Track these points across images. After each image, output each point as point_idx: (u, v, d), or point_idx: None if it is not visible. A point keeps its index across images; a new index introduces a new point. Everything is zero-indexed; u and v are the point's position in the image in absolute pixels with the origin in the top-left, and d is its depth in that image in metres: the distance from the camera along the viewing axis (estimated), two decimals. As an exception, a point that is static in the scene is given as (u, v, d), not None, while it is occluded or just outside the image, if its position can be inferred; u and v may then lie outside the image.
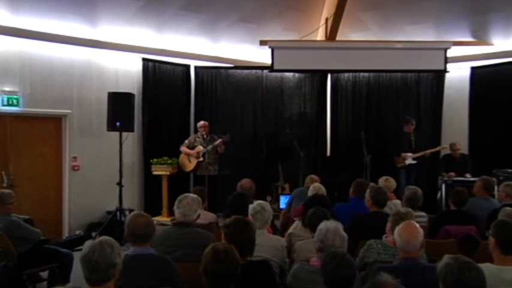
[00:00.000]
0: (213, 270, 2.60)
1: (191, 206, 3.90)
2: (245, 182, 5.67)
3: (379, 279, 2.28)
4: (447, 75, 9.23)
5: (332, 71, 9.79)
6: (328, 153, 9.95)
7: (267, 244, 3.79)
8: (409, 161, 8.61)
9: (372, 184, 5.29)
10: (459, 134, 9.07)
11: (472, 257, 2.55)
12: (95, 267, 2.51)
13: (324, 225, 3.19)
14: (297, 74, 9.93)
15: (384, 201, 4.68)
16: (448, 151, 8.61)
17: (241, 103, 9.78)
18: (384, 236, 3.78)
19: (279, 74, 9.75)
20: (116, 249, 2.58)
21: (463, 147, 8.75)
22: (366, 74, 9.78)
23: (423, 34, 8.83)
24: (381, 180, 5.78)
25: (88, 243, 2.59)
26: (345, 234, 3.16)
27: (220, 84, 9.71)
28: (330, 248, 3.01)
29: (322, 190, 5.45)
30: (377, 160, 8.61)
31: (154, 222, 3.57)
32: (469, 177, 8.01)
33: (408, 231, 3.15)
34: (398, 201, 5.48)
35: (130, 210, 7.27)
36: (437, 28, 8.82)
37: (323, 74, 9.89)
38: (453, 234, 4.53)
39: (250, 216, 4.02)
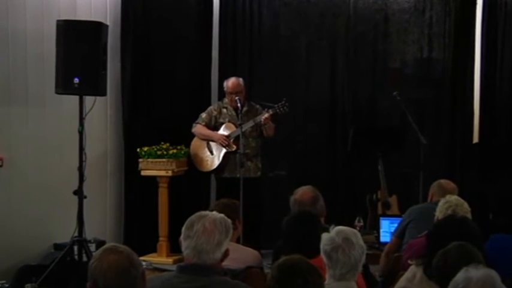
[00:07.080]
0: None
1: (211, 235, 3.90)
2: (303, 193, 5.72)
3: None
4: None
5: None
6: (476, 139, 9.85)
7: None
8: None
9: None
10: None
11: None
12: None
13: (463, 274, 3.15)
14: (415, -13, 9.85)
15: None
16: None
17: (308, 42, 9.79)
18: None
19: (380, -13, 9.72)
20: None
21: None
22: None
23: None
24: None
25: None
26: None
27: (269, 8, 9.72)
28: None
29: (464, 208, 5.43)
30: None
31: (144, 264, 3.61)
32: None
33: None
34: None
35: (99, 243, 7.38)
36: None
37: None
38: None
39: (322, 256, 4.03)
